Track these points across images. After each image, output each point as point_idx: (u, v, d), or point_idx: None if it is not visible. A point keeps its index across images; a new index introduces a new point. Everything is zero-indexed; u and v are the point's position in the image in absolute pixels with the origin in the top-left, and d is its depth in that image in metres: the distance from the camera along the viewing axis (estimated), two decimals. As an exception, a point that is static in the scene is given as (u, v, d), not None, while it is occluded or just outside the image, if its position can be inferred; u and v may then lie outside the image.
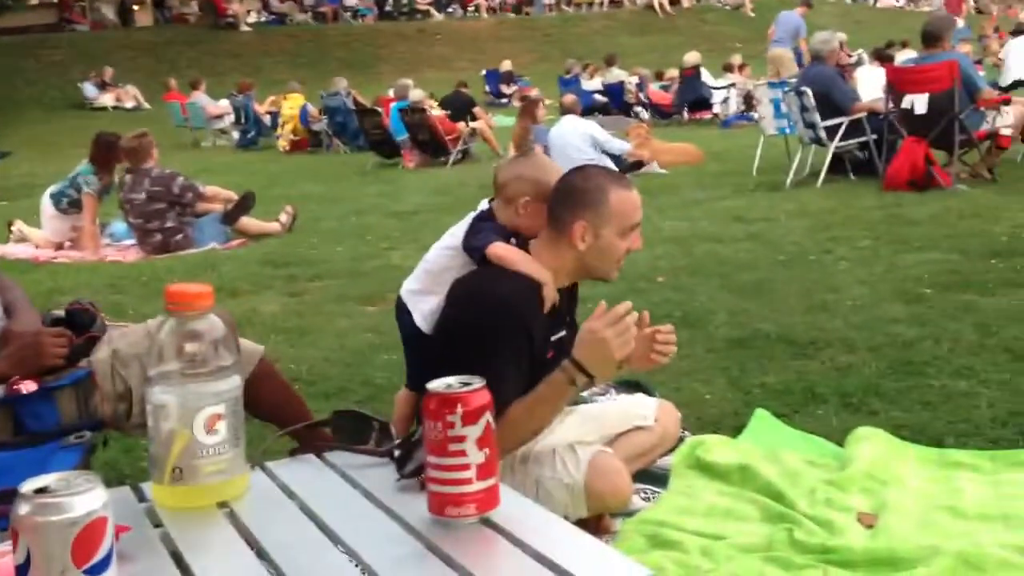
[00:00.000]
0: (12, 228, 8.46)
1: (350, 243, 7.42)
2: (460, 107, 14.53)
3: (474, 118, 14.15)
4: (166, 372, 1.37)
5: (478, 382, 1.34)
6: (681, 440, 3.22)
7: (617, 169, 10.09)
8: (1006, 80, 11.75)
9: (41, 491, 1.07)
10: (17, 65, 24.85)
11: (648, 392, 3.55)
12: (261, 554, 1.28)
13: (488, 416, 1.33)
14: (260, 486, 1.49)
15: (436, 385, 1.34)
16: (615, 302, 5.20)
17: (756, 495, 2.88)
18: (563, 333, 2.51)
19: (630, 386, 3.77)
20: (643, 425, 2.86)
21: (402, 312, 2.82)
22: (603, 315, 2.17)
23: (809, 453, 3.17)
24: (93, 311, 2.61)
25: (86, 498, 1.08)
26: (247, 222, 8.07)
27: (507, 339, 2.34)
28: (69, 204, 8.05)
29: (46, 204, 8.16)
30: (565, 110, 10.93)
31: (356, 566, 1.24)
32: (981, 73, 9.14)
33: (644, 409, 2.92)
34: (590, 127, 10.36)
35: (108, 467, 3.08)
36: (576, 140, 10.03)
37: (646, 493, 2.96)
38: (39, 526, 1.05)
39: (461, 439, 1.31)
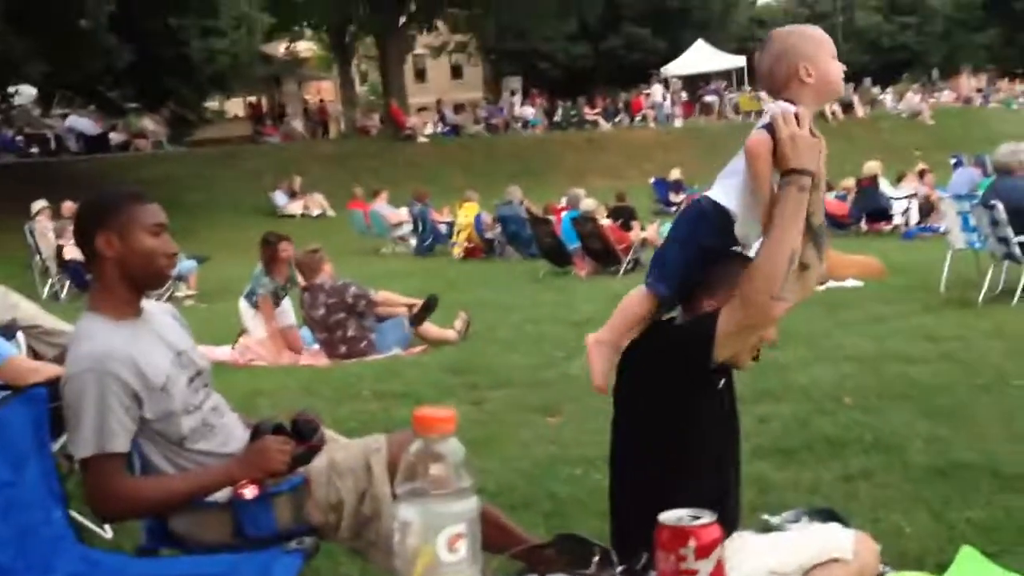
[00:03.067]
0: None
1: (527, 351, 7.48)
2: (626, 218, 14.64)
3: (642, 228, 14.23)
4: (413, 490, 1.43)
5: (708, 516, 1.37)
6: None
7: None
8: None
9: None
10: (215, 174, 26.36)
11: (843, 522, 3.42)
12: None
13: (719, 551, 1.35)
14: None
15: (667, 517, 1.38)
16: (800, 423, 5.05)
17: (967, 636, 2.73)
18: None
19: (824, 515, 3.65)
20: (840, 558, 2.78)
21: None
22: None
23: (1023, 595, 3.00)
24: (317, 423, 2.73)
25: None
26: (428, 328, 8.28)
27: None
28: (254, 305, 8.43)
29: (244, 307, 8.54)
30: None
31: None
32: None
33: (841, 541, 2.82)
34: None
35: (311, 572, 3.09)
36: None
37: (847, 629, 2.84)
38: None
39: (693, 573, 1.34)
